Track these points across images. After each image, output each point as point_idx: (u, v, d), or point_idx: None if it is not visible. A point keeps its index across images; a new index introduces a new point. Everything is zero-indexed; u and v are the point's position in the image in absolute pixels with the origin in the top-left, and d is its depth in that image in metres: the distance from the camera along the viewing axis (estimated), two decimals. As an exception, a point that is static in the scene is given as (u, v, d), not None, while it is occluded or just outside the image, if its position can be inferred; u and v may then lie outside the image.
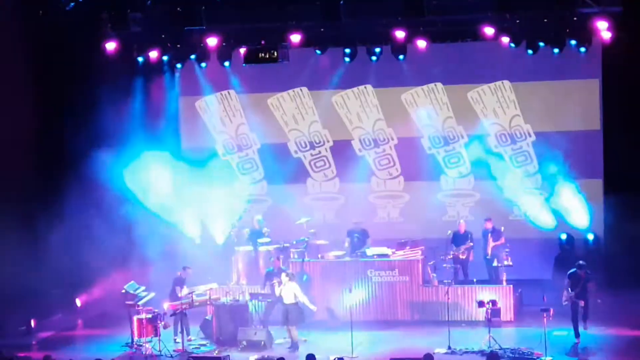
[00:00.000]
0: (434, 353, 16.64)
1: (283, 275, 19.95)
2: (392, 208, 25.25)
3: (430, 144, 24.81)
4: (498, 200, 24.05)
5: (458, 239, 22.56)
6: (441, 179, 24.91)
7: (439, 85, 24.70)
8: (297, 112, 25.54)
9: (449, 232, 22.66)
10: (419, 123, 24.82)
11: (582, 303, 19.35)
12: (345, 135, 25.32)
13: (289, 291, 19.71)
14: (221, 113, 25.80)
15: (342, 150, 25.27)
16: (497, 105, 24.50)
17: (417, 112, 24.77)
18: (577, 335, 19.35)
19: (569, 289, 19.28)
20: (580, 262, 19.80)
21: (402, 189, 25.19)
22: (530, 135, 24.38)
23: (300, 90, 25.43)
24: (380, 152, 25.17)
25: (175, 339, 20.16)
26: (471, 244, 22.43)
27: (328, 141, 25.44)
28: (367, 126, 25.17)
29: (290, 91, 25.48)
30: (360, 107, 25.20)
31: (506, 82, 24.44)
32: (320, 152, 25.54)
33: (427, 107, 24.71)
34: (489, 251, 22.44)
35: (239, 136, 25.86)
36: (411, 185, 25.05)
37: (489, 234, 22.58)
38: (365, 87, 25.11)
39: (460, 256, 22.21)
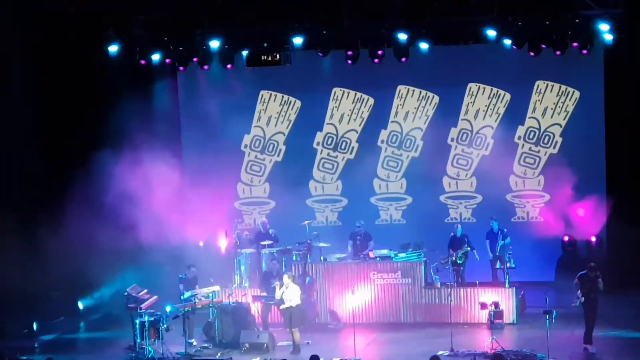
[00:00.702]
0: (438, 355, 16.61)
1: (285, 277, 19.95)
2: (394, 210, 25.26)
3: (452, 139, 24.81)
4: (501, 202, 24.05)
5: (455, 242, 22.57)
6: (443, 181, 24.91)
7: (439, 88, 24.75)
8: (348, 111, 25.46)
9: (452, 234, 22.70)
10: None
11: (581, 300, 19.08)
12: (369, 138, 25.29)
13: (291, 293, 19.70)
14: (274, 112, 25.81)
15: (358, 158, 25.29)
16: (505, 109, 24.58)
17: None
18: (588, 341, 19.12)
19: (579, 290, 19.15)
20: (592, 264, 19.48)
21: (404, 191, 25.20)
22: (555, 147, 24.32)
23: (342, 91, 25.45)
24: (392, 154, 25.16)
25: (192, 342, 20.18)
26: (468, 248, 22.42)
27: (351, 152, 25.43)
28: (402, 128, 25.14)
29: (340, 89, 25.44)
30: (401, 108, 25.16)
31: (506, 85, 24.48)
32: (337, 155, 25.56)
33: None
34: (497, 251, 22.43)
35: (270, 140, 25.85)
36: (414, 187, 25.05)
37: (496, 235, 22.57)
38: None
39: (458, 261, 22.17)
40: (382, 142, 25.23)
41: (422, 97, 24.92)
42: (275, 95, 25.78)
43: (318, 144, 25.61)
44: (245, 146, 25.92)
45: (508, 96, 24.48)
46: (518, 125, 24.51)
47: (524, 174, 24.51)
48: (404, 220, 25.16)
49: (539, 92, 24.33)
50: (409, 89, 25.01)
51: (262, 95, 25.80)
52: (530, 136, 24.52)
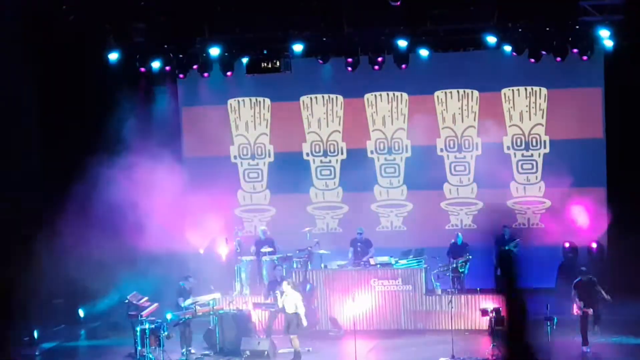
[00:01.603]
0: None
1: (285, 283, 19.94)
2: (394, 217, 25.24)
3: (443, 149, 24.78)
4: (500, 209, 24.03)
5: (456, 250, 22.56)
6: (444, 187, 24.91)
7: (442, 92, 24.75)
8: (323, 117, 25.46)
9: (450, 243, 22.70)
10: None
11: (590, 312, 19.22)
12: (359, 144, 25.26)
13: (291, 300, 19.69)
14: (249, 117, 25.83)
15: (351, 159, 25.23)
16: (508, 112, 24.54)
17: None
18: (585, 342, 19.27)
19: (577, 298, 19.22)
20: (582, 268, 19.84)
21: (405, 197, 25.19)
22: (545, 147, 24.34)
23: (329, 97, 25.41)
24: (390, 160, 25.15)
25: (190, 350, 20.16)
26: (470, 257, 22.40)
27: (342, 152, 25.42)
28: (385, 133, 25.10)
29: (320, 95, 25.40)
30: (384, 113, 25.13)
31: (509, 90, 24.46)
32: (330, 161, 25.56)
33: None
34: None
35: (256, 144, 25.88)
36: (414, 193, 25.03)
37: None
38: (392, 94, 25.05)
39: (459, 269, 22.16)
40: (372, 151, 25.23)
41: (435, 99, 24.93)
42: (244, 100, 25.74)
43: (307, 154, 25.59)
44: (235, 157, 25.93)
45: (477, 93, 24.44)
46: (502, 136, 24.46)
47: (526, 180, 24.49)
48: (405, 227, 25.14)
49: (507, 99, 24.36)
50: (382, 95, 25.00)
51: (230, 104, 25.76)
52: (518, 143, 24.50)
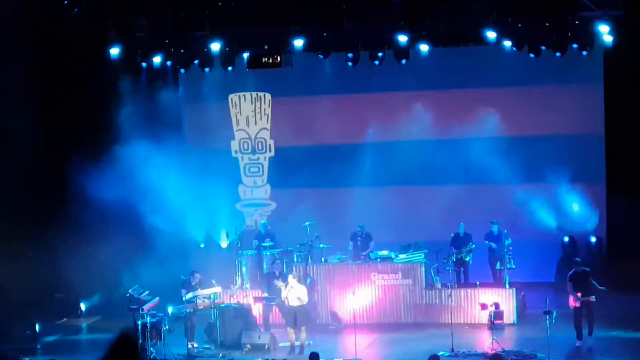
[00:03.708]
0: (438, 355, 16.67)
1: (290, 277, 20.03)
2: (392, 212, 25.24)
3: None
4: (501, 204, 24.08)
5: (458, 240, 22.62)
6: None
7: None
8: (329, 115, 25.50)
9: (452, 235, 22.73)
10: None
11: (592, 299, 19.24)
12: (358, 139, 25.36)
13: (297, 293, 19.77)
14: (250, 112, 25.90)
15: (353, 155, 25.35)
16: (500, 108, 24.54)
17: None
18: (579, 337, 19.35)
19: (573, 290, 19.29)
20: (576, 259, 19.97)
21: (403, 194, 25.20)
22: (538, 141, 24.37)
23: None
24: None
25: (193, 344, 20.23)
26: (473, 246, 22.48)
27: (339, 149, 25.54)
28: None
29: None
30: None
31: (506, 87, 24.53)
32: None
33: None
34: (495, 253, 22.48)
35: (257, 139, 25.97)
36: (411, 189, 25.02)
37: (496, 237, 22.61)
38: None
39: (464, 258, 22.26)
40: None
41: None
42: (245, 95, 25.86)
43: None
44: (236, 152, 26.03)
45: (508, 97, 24.55)
46: (524, 127, 24.51)
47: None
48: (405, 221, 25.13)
49: (537, 94, 24.42)
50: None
51: (231, 98, 25.85)
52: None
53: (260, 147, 26.02)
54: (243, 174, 26.15)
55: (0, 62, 21.52)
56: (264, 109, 25.90)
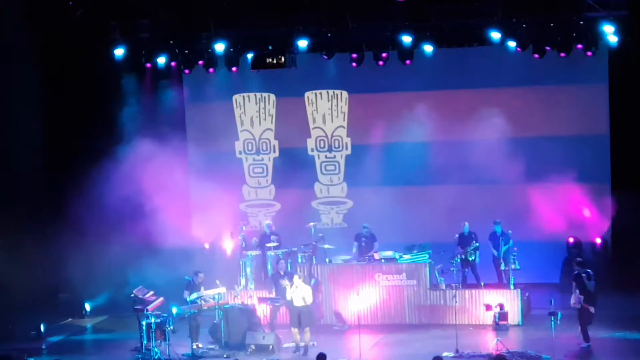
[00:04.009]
0: (442, 356, 16.67)
1: (296, 277, 20.03)
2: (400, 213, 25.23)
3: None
4: (506, 204, 24.05)
5: (463, 240, 22.60)
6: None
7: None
8: (328, 112, 25.55)
9: (456, 235, 22.71)
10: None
11: (591, 309, 19.22)
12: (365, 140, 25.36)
13: (302, 294, 19.77)
14: (254, 113, 25.91)
15: (357, 155, 25.34)
16: (504, 109, 24.51)
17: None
18: (586, 338, 19.29)
19: (577, 290, 19.25)
20: (578, 259, 19.89)
21: (407, 194, 25.19)
22: (543, 142, 24.36)
23: (334, 92, 25.51)
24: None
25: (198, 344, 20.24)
26: (477, 244, 22.47)
27: (347, 148, 25.52)
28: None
29: (325, 91, 25.50)
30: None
31: (511, 87, 24.52)
32: (334, 156, 25.65)
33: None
34: (500, 254, 22.45)
35: (261, 140, 25.97)
36: (415, 190, 25.02)
37: (499, 237, 22.60)
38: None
39: (468, 258, 22.26)
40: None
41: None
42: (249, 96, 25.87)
43: (312, 149, 25.69)
44: (240, 152, 26.03)
45: (512, 98, 24.52)
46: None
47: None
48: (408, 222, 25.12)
49: (543, 94, 24.41)
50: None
51: (236, 99, 25.87)
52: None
53: (264, 148, 26.02)
54: (247, 175, 26.15)
55: (5, 63, 21.57)
56: (269, 110, 25.90)
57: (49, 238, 22.15)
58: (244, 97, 25.97)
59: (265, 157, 26.05)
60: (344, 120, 25.58)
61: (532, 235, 23.77)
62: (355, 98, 25.40)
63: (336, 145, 25.66)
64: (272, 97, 25.85)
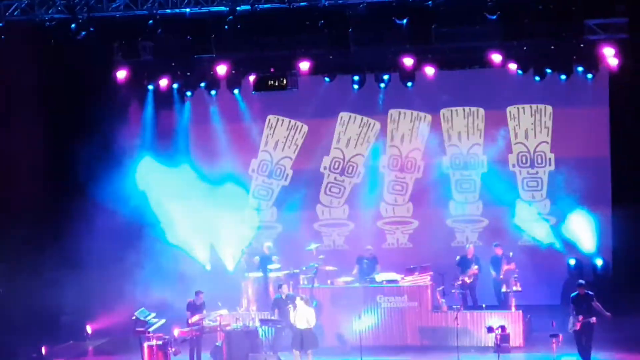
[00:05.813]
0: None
1: (297, 299, 20.01)
2: (400, 234, 25.30)
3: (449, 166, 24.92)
4: (507, 226, 24.08)
5: (465, 263, 22.62)
6: (450, 205, 24.97)
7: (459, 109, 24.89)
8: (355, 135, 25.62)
9: (458, 257, 22.73)
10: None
11: (593, 320, 19.18)
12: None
13: (304, 316, 19.74)
14: (282, 136, 25.94)
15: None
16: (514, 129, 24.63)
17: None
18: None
19: (575, 313, 19.25)
20: (580, 281, 19.90)
21: (410, 215, 25.25)
22: (550, 164, 24.43)
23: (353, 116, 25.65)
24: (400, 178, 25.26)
25: None
26: (476, 267, 22.48)
27: (359, 172, 25.54)
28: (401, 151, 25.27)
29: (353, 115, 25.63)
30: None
31: (514, 108, 24.60)
32: (344, 180, 25.68)
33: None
34: (502, 276, 22.45)
35: (277, 165, 25.96)
36: (419, 211, 25.09)
37: (500, 260, 22.61)
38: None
39: (467, 280, 22.27)
40: (384, 167, 25.36)
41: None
42: (282, 120, 25.92)
43: (325, 168, 25.73)
44: (253, 170, 26.04)
45: (516, 121, 24.62)
46: (508, 154, 24.61)
47: (531, 197, 24.56)
48: (411, 244, 25.20)
49: (512, 117, 24.48)
50: (400, 112, 25.14)
51: (269, 119, 25.94)
52: (523, 160, 24.61)
53: (277, 173, 25.97)
54: (251, 196, 26.12)
55: (6, 86, 21.59)
56: (296, 138, 25.88)
57: (50, 260, 22.10)
58: (277, 119, 25.90)
59: (275, 182, 26.02)
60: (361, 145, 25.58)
61: (533, 256, 23.81)
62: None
63: (349, 171, 25.66)
64: (305, 127, 25.74)
